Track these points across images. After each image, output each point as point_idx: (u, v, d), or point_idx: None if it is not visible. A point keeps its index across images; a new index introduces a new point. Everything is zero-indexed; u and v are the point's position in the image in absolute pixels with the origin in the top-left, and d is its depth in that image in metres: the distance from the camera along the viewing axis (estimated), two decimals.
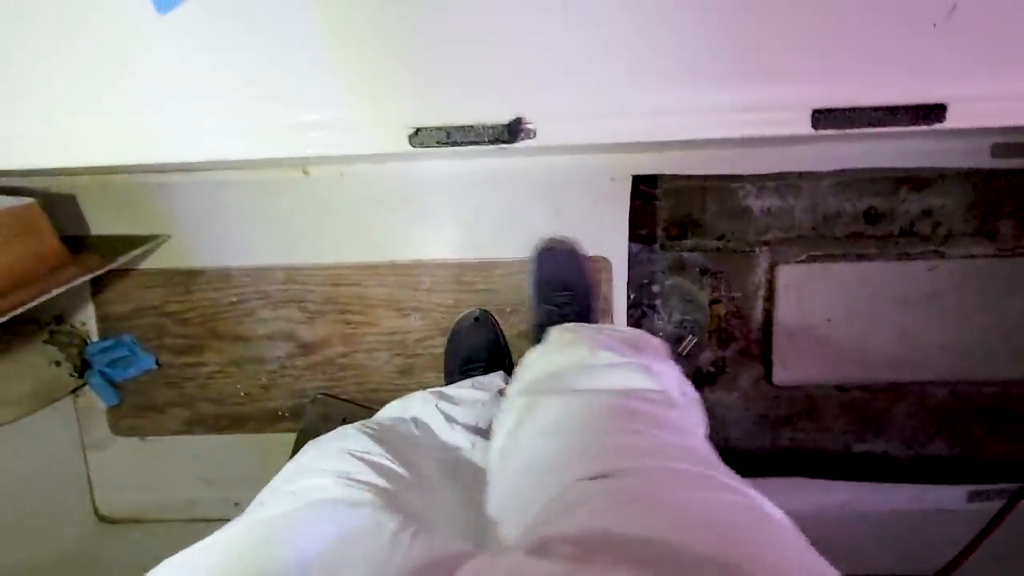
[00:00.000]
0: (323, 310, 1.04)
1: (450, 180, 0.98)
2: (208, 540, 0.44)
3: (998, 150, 0.94)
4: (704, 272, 1.15)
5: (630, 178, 0.98)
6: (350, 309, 1.04)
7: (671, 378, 0.60)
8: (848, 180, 1.10)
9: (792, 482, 1.01)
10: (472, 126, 0.44)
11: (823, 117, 0.43)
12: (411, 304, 1.04)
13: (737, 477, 0.43)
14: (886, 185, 1.10)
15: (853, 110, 0.41)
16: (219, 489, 1.07)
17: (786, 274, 1.12)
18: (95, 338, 1.06)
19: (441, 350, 1.03)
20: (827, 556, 0.96)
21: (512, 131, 0.44)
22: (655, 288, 1.15)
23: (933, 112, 0.40)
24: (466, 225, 1.01)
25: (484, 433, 0.75)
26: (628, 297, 1.15)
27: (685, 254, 1.15)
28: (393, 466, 0.56)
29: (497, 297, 1.03)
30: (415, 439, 0.69)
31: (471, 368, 0.95)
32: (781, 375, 1.14)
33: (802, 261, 1.12)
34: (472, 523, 0.57)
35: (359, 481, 0.51)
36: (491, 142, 0.45)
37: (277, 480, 0.56)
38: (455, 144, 0.45)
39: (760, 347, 1.16)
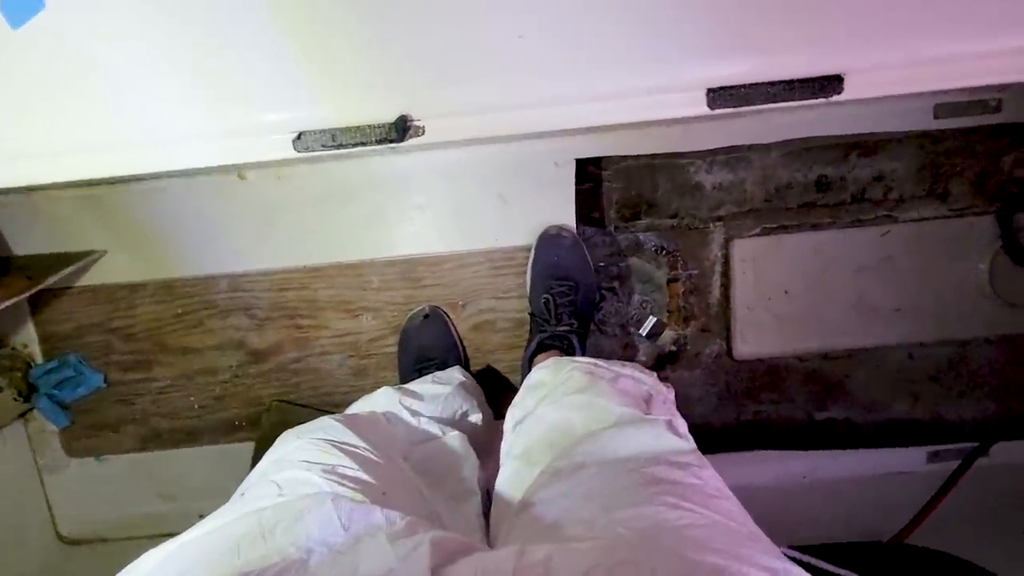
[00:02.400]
0: (272, 316, 1.02)
1: (391, 177, 0.96)
2: (195, 531, 0.43)
3: (940, 111, 0.93)
4: (660, 251, 1.14)
5: (573, 162, 0.96)
6: (299, 313, 1.02)
7: (685, 429, 0.58)
8: (797, 150, 1.09)
9: (753, 455, 1.01)
10: (358, 127, 0.42)
11: (718, 96, 0.41)
12: (361, 304, 1.02)
13: (765, 544, 0.41)
14: (835, 152, 1.09)
15: (749, 87, 0.40)
16: (181, 502, 1.06)
17: (741, 248, 1.11)
18: (39, 360, 1.03)
19: (395, 349, 1.01)
20: (788, 526, 0.96)
21: (400, 129, 0.42)
22: (612, 270, 1.14)
23: (830, 84, 0.39)
24: (411, 220, 0.99)
25: (449, 423, 0.75)
26: None
27: (640, 234, 1.14)
28: (378, 460, 0.55)
29: (448, 291, 1.01)
30: (387, 433, 0.68)
31: (425, 367, 0.94)
32: (742, 349, 1.14)
33: (756, 234, 1.12)
34: (450, 526, 0.56)
35: (348, 478, 0.50)
36: (379, 142, 0.43)
37: (257, 472, 0.54)
38: (341, 147, 0.43)
39: (720, 322, 1.15)
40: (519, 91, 0.41)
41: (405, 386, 0.79)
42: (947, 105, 0.92)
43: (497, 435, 0.69)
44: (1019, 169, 1.07)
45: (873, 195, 1.10)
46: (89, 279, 1.01)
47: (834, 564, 0.77)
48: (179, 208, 0.97)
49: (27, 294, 0.84)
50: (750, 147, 1.08)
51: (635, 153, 1.03)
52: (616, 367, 0.66)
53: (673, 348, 1.17)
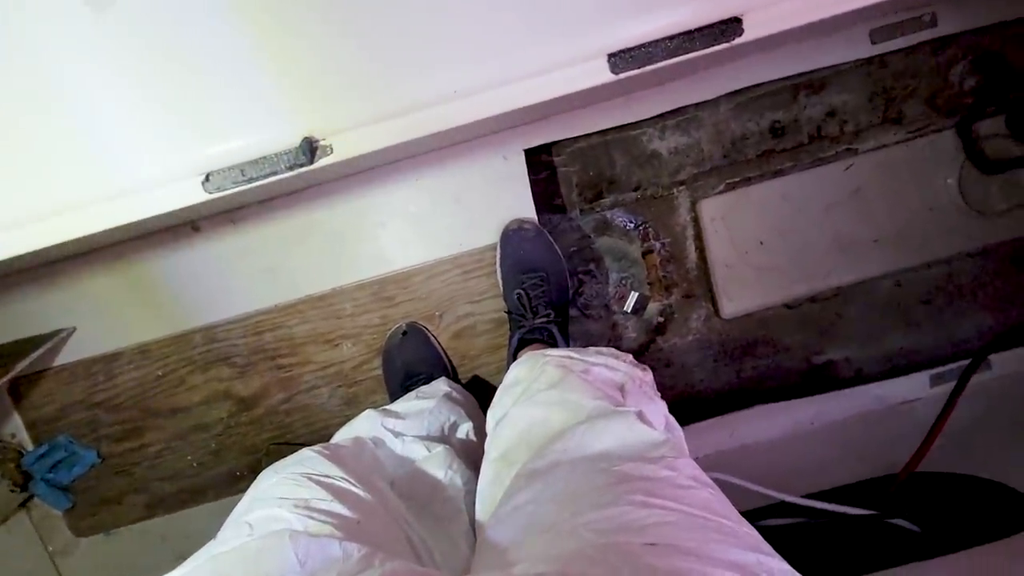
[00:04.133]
0: (252, 361, 1.01)
1: (342, 200, 0.95)
2: None
3: (876, 35, 0.92)
4: (629, 226, 1.13)
5: (522, 153, 0.95)
6: (279, 354, 1.01)
7: (659, 416, 0.57)
8: (745, 100, 1.08)
9: (756, 411, 1.00)
10: (264, 157, 0.41)
11: (620, 60, 0.40)
12: (339, 333, 1.01)
13: (745, 528, 0.41)
14: (784, 96, 1.08)
15: (648, 45, 0.39)
16: None
17: (709, 208, 1.10)
18: (30, 447, 1.02)
19: (381, 372, 1.00)
20: (802, 475, 0.95)
21: (307, 152, 0.41)
22: (586, 253, 1.13)
23: (729, 27, 0.38)
24: (373, 241, 0.98)
25: (436, 439, 0.73)
26: None
27: (606, 213, 1.13)
28: (355, 490, 0.54)
29: (423, 304, 1.00)
30: (372, 458, 0.67)
31: (412, 383, 0.93)
32: (729, 308, 1.13)
33: (721, 191, 1.11)
34: (434, 549, 0.56)
35: (319, 510, 0.49)
36: (290, 168, 0.42)
37: (235, 512, 0.54)
38: (252, 180, 0.42)
39: (702, 285, 1.14)
40: (415, 91, 0.40)
41: (388, 407, 0.78)
42: (882, 28, 0.91)
43: None
44: (969, 79, 1.06)
45: (829, 131, 1.09)
46: (64, 357, 1.00)
47: (849, 505, 0.76)
48: (140, 271, 0.96)
49: None
50: (698, 106, 1.07)
51: (583, 133, 1.02)
52: (590, 356, 0.65)
53: (660, 319, 1.16)
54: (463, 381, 1.03)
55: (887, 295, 1.14)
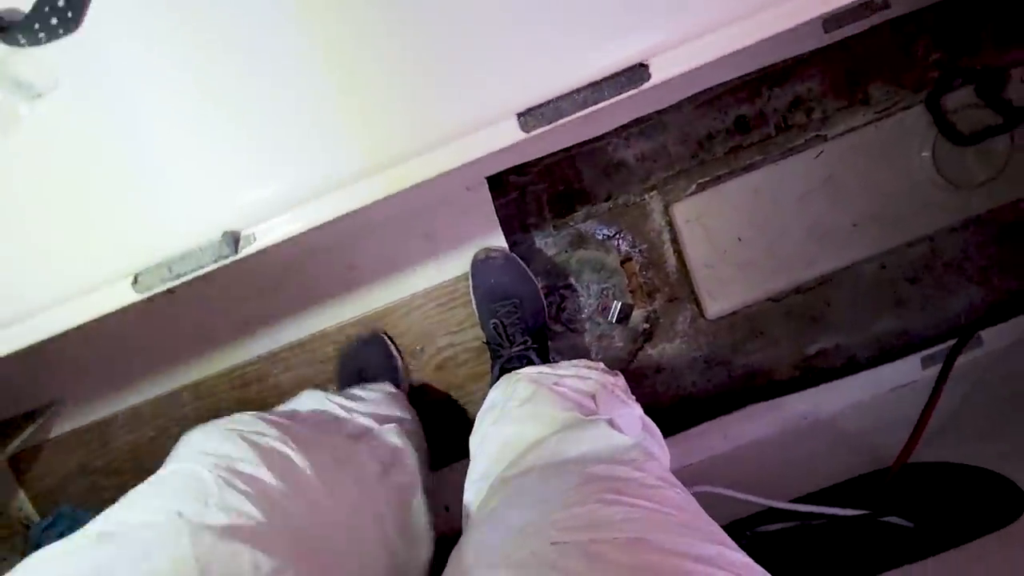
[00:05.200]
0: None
1: (312, 248, 0.95)
2: (52, 548, 0.41)
3: (829, 25, 0.90)
4: (605, 237, 1.12)
5: (484, 182, 0.95)
6: (268, 403, 1.02)
7: (633, 419, 0.58)
8: (707, 98, 1.07)
9: (748, 412, 0.99)
10: (189, 252, 0.41)
11: (530, 118, 0.40)
12: (325, 376, 1.01)
13: (709, 524, 0.42)
14: (746, 90, 1.06)
15: (555, 100, 0.38)
16: None
17: (682, 210, 1.09)
18: (36, 519, 1.04)
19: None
20: (795, 476, 0.94)
21: (230, 244, 0.41)
22: (565, 269, 1.13)
23: (636, 74, 0.37)
24: (348, 281, 0.98)
25: (383, 419, 0.73)
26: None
27: (580, 226, 1.12)
28: (288, 451, 0.52)
29: (403, 340, 1.00)
30: (316, 424, 0.66)
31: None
32: (714, 308, 1.12)
33: (692, 192, 1.10)
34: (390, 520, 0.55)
35: (241, 475, 0.46)
36: (216, 261, 0.42)
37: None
38: (180, 276, 0.42)
39: (684, 288, 1.14)
40: (326, 172, 0.40)
41: (333, 392, 0.77)
42: (834, 18, 0.89)
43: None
44: (934, 53, 1.04)
45: (796, 120, 1.08)
46: (59, 428, 1.01)
47: (842, 504, 0.75)
48: (120, 338, 0.97)
49: None
50: (659, 111, 1.06)
51: (544, 154, 1.02)
52: (561, 369, 0.66)
53: (646, 326, 1.15)
54: (445, 411, 1.03)
55: (872, 278, 1.12)
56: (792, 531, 0.78)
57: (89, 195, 0.40)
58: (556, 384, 0.62)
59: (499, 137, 0.38)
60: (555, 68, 0.37)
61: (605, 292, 1.14)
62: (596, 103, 0.38)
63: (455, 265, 0.98)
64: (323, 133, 0.39)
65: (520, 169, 1.07)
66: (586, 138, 1.01)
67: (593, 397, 0.60)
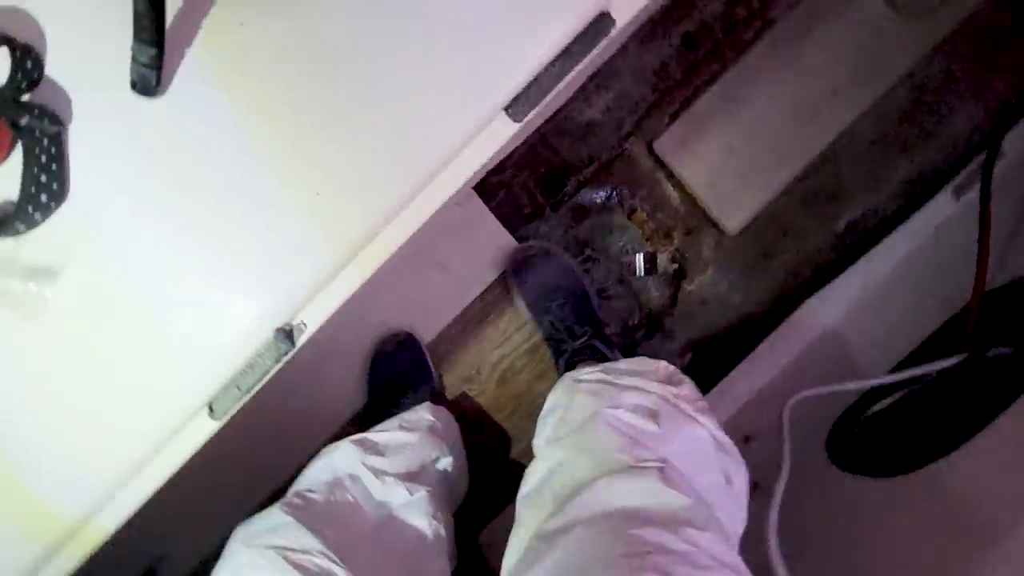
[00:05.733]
0: None
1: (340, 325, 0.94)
2: None
3: None
4: (603, 198, 1.12)
5: (472, 192, 0.94)
6: None
7: (701, 443, 0.55)
8: (647, 30, 1.06)
9: (806, 308, 0.98)
10: (251, 364, 0.41)
11: (517, 107, 0.39)
12: None
13: None
14: (681, 7, 1.05)
15: (534, 82, 0.38)
16: None
17: (665, 145, 1.08)
18: None
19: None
20: (876, 351, 0.91)
21: (286, 338, 0.41)
22: (577, 244, 1.12)
23: (601, 24, 0.37)
24: (378, 327, 0.97)
25: (418, 477, 0.71)
26: None
27: (576, 197, 1.11)
28: (334, 567, 0.52)
29: (456, 370, 1.00)
30: (348, 506, 0.64)
31: (395, 392, 0.91)
32: (732, 223, 1.11)
33: (668, 124, 1.09)
34: None
35: None
36: (278, 361, 0.42)
37: None
38: (250, 389, 0.42)
39: (697, 215, 1.12)
40: (356, 229, 0.40)
41: (368, 436, 0.74)
42: None
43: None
44: None
45: (739, 16, 1.07)
46: None
47: (937, 359, 0.74)
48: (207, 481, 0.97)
49: None
50: (608, 60, 1.05)
51: (510, 146, 1.01)
52: (621, 379, 0.62)
53: (675, 266, 1.14)
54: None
55: (870, 134, 1.11)
56: (900, 404, 0.76)
57: (136, 348, 0.40)
58: (615, 406, 0.58)
59: (496, 136, 0.38)
60: (521, 54, 0.37)
61: (624, 250, 1.13)
62: (573, 67, 0.37)
63: (476, 281, 0.97)
64: (351, 197, 0.39)
65: (497, 168, 1.07)
66: (548, 114, 1.00)
67: (655, 417, 0.57)
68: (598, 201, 1.12)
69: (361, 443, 0.72)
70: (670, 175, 1.11)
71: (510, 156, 1.06)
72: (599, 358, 0.86)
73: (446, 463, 0.77)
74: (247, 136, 0.38)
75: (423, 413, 0.83)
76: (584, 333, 0.86)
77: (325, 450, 0.73)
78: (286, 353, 0.42)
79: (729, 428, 1.03)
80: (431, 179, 0.39)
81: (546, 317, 0.90)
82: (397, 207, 0.39)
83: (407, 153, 0.39)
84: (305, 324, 0.42)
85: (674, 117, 1.08)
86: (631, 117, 1.09)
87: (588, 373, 0.65)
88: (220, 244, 0.40)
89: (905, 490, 0.63)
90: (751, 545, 0.56)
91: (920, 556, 0.55)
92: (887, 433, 0.73)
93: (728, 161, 1.09)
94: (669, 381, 0.62)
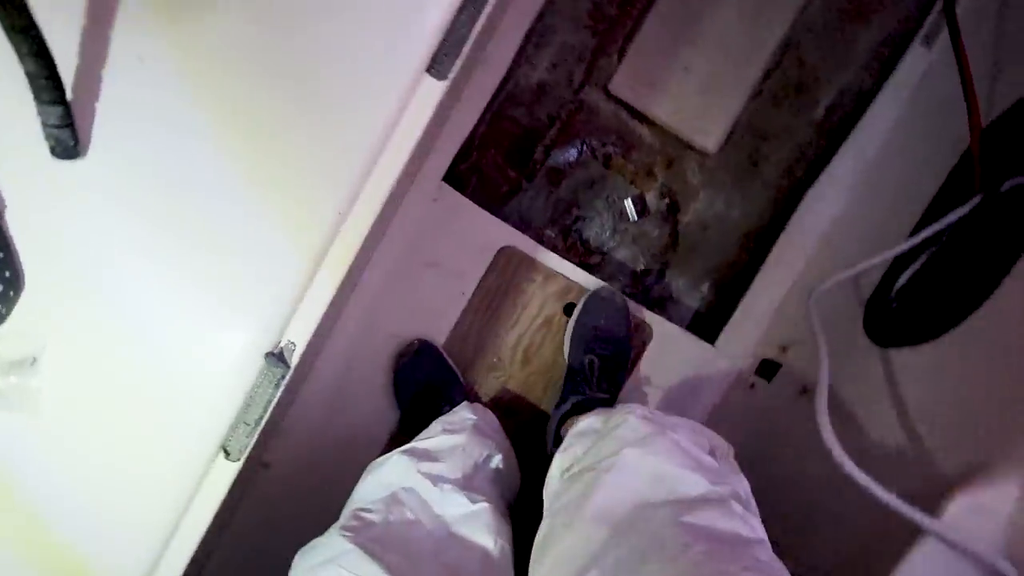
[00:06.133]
0: None
1: (351, 340, 0.94)
2: None
3: None
4: (575, 155, 1.09)
5: (443, 185, 0.93)
6: None
7: (749, 493, 0.53)
8: None
9: (807, 202, 0.95)
10: (252, 393, 0.40)
11: (439, 64, 0.37)
12: None
13: None
14: None
15: (449, 33, 0.36)
16: None
17: (620, 82, 1.06)
18: None
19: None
20: (891, 220, 0.88)
21: (280, 362, 0.40)
22: (561, 207, 1.10)
23: None
24: (390, 343, 0.96)
25: (474, 480, 0.70)
26: (557, 238, 1.10)
27: (548, 162, 1.09)
28: None
29: (479, 362, 0.99)
30: (408, 525, 0.62)
31: (427, 399, 0.90)
32: (710, 141, 1.08)
33: (618, 63, 1.06)
34: None
35: None
36: (279, 385, 0.41)
37: None
38: (260, 421, 0.41)
39: (674, 144, 1.10)
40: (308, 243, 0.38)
41: (417, 445, 0.72)
42: None
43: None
44: None
45: None
46: None
47: (954, 209, 0.70)
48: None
49: None
50: (538, 18, 1.03)
51: (469, 130, 0.99)
52: (672, 418, 0.59)
53: (666, 200, 1.12)
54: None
55: (823, 14, 1.07)
56: (927, 266, 0.73)
57: (136, 410, 0.40)
58: (670, 429, 0.56)
59: (427, 99, 0.36)
60: (423, 14, 0.35)
61: (611, 200, 1.11)
62: (481, 10, 0.35)
63: (472, 271, 0.96)
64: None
65: (462, 155, 1.05)
66: (495, 88, 0.99)
67: (712, 452, 0.55)
68: (571, 160, 1.10)
69: (411, 452, 0.71)
70: (634, 113, 1.08)
71: (472, 139, 1.05)
72: None
73: (497, 460, 0.76)
74: (185, 163, 0.37)
75: (464, 413, 0.82)
76: (607, 393, 0.87)
77: (373, 465, 0.71)
78: (283, 376, 0.41)
79: (763, 343, 1.01)
80: (376, 160, 0.37)
81: (588, 355, 0.90)
82: (351, 197, 0.38)
83: (346, 142, 0.38)
84: (294, 342, 0.41)
85: (622, 54, 1.06)
86: (579, 67, 1.07)
87: (636, 406, 0.62)
88: (191, 285, 0.39)
89: (952, 346, 0.60)
90: (812, 450, 0.54)
91: (980, 403, 0.52)
92: (922, 298, 0.70)
93: (688, 82, 1.06)
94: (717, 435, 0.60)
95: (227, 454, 0.41)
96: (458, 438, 0.74)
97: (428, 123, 0.38)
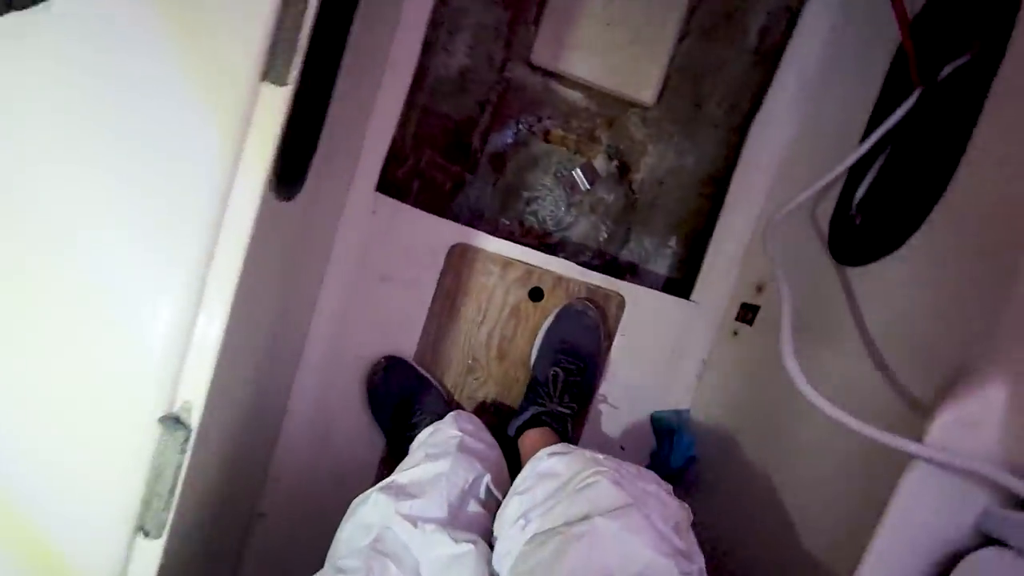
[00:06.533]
0: None
1: (324, 369, 0.91)
2: None
3: None
4: (512, 137, 1.05)
5: (376, 195, 0.89)
6: None
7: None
8: None
9: (755, 132, 0.91)
10: (155, 466, 0.37)
11: (273, 71, 0.34)
12: None
13: None
14: None
15: (275, 40, 0.32)
16: None
17: (540, 53, 1.02)
18: None
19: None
20: (840, 134, 0.83)
21: (174, 424, 0.37)
22: (513, 191, 1.06)
23: None
24: (358, 367, 0.93)
25: (460, 513, 0.66)
26: (513, 224, 1.06)
27: (487, 149, 1.05)
28: None
29: (455, 367, 0.95)
30: (390, 569, 0.58)
31: (407, 415, 0.87)
32: (648, 93, 1.04)
33: (536, 32, 1.02)
34: None
35: None
36: (183, 450, 0.38)
37: None
38: (172, 491, 0.38)
39: (611, 105, 1.06)
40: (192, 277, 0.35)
41: (396, 480, 0.68)
42: None
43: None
44: None
45: None
46: None
47: (896, 109, 0.66)
48: None
49: None
50: (443, 3, 0.99)
51: (393, 134, 0.96)
52: (641, 482, 0.57)
53: (615, 162, 1.08)
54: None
55: None
56: (883, 171, 0.69)
57: (40, 503, 0.36)
58: (641, 502, 0.54)
59: (272, 112, 0.33)
60: (245, 23, 0.32)
61: (559, 173, 1.07)
62: (305, 9, 0.32)
63: (427, 277, 0.93)
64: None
65: (395, 158, 1.01)
66: (407, 87, 0.94)
67: (676, 527, 0.54)
68: (509, 141, 1.06)
69: (389, 489, 0.66)
70: (563, 80, 1.04)
71: (403, 142, 1.01)
72: (561, 434, 0.84)
73: (486, 481, 0.71)
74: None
75: (448, 430, 0.78)
76: (570, 408, 0.85)
77: (355, 503, 0.67)
78: (186, 439, 0.37)
79: (739, 286, 0.97)
80: (233, 180, 0.34)
81: (553, 367, 0.87)
82: (213, 225, 0.34)
83: (195, 167, 0.34)
84: (191, 403, 0.38)
85: (536, 22, 1.01)
86: (497, 44, 1.03)
87: (605, 462, 0.59)
88: (66, 374, 0.36)
89: (920, 249, 0.56)
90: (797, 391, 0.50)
91: (956, 306, 0.49)
92: (883, 206, 0.67)
93: (611, 36, 1.01)
94: (681, 506, 0.58)
95: (146, 533, 0.38)
96: (441, 464, 0.69)
97: (280, 133, 0.34)
